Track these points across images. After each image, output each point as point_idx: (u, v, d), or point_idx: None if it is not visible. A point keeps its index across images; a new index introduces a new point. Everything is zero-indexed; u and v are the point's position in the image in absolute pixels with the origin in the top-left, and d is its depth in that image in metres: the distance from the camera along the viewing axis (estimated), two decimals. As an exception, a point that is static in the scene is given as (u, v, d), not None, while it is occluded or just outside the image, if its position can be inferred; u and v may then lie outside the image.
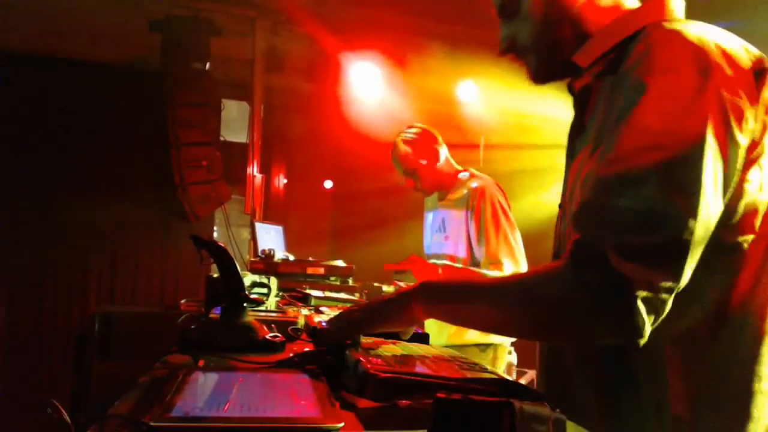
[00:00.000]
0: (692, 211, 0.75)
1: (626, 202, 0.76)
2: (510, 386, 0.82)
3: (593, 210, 0.80)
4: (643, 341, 0.76)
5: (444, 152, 2.64)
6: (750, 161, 0.81)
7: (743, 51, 0.84)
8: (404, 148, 2.62)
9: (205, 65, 4.26)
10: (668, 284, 0.74)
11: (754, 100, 0.81)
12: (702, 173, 0.75)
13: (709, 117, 0.77)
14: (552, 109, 4.13)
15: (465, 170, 2.66)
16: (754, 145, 0.81)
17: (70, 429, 0.70)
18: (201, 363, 1.04)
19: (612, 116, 0.84)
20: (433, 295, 0.97)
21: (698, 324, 0.83)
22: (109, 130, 4.62)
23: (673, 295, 0.76)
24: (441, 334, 2.42)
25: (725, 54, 0.81)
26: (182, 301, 2.07)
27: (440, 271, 2.42)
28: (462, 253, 2.49)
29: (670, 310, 0.77)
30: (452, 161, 2.68)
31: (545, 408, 0.59)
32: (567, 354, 1.01)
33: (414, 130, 2.67)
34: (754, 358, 0.84)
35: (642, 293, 0.73)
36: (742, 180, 0.81)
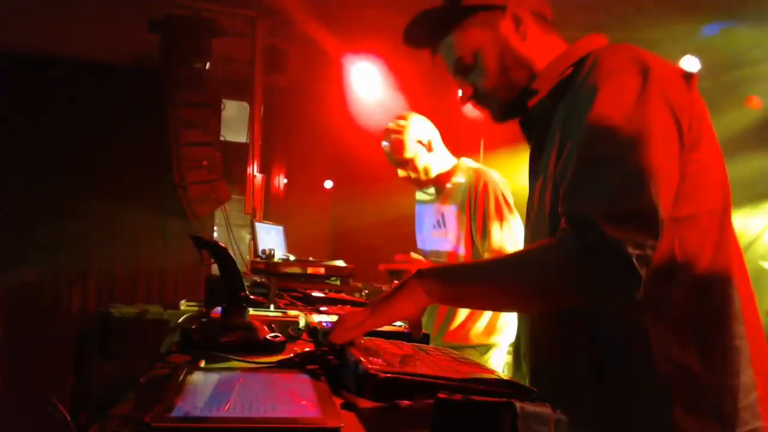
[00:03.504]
0: (655, 181, 0.88)
1: (604, 179, 0.90)
2: (511, 386, 0.82)
3: (578, 190, 0.92)
4: (639, 294, 0.86)
5: (438, 141, 2.51)
6: (690, 144, 0.95)
7: (669, 62, 1.00)
8: (395, 137, 2.48)
9: (205, 65, 4.25)
10: (651, 241, 0.86)
11: (686, 94, 0.97)
12: (658, 149, 0.90)
13: (655, 103, 0.92)
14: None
15: (459, 162, 2.52)
16: (691, 131, 0.95)
17: (70, 429, 0.70)
18: (201, 363, 1.04)
19: (574, 120, 0.97)
20: (434, 278, 1.01)
21: (668, 289, 0.94)
22: (109, 130, 4.62)
23: (654, 246, 0.87)
24: (437, 336, 2.38)
25: (657, 61, 0.98)
26: (182, 301, 2.07)
27: None
28: (462, 249, 2.40)
29: (648, 283, 0.87)
30: (447, 151, 2.54)
31: (546, 408, 0.59)
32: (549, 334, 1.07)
33: (405, 117, 2.52)
34: (725, 317, 0.95)
35: (634, 251, 0.84)
36: (687, 160, 0.94)
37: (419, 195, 2.67)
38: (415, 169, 2.48)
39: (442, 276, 1.02)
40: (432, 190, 2.58)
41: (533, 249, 1.00)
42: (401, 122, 2.51)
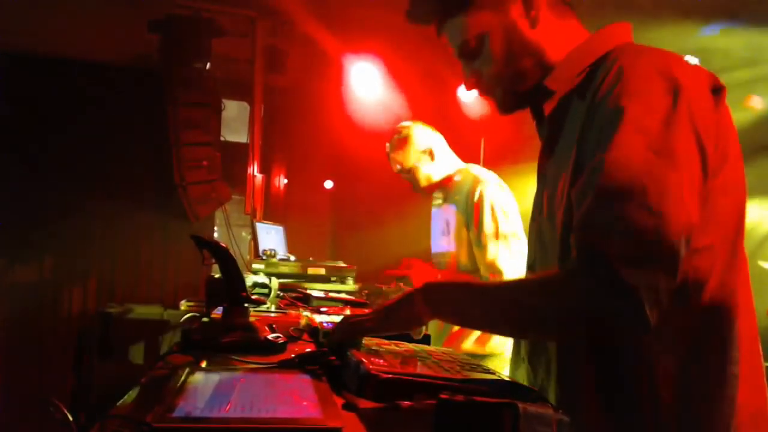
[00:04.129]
0: (678, 218, 0.83)
1: (622, 215, 0.83)
2: (513, 387, 0.82)
3: (593, 222, 0.87)
4: (647, 333, 0.82)
5: (440, 149, 2.54)
6: (714, 170, 0.90)
7: (700, 72, 0.94)
8: (396, 148, 2.55)
9: (206, 65, 4.25)
10: (667, 284, 0.82)
11: (715, 113, 0.91)
12: (682, 182, 0.85)
13: (682, 131, 0.86)
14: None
15: (464, 168, 2.53)
16: (716, 155, 0.90)
17: (71, 428, 0.70)
18: (202, 363, 1.04)
19: (593, 140, 0.91)
20: (438, 296, 0.99)
21: (676, 314, 0.89)
22: (109, 130, 4.62)
23: (672, 291, 0.82)
24: (437, 340, 2.37)
25: (688, 74, 0.91)
26: (182, 301, 2.07)
27: (439, 276, 2.36)
28: (464, 258, 2.38)
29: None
30: (452, 157, 2.58)
31: (548, 409, 0.59)
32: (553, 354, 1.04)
33: (406, 127, 2.57)
34: (725, 343, 0.93)
35: (648, 295, 0.80)
36: (709, 187, 0.89)
37: (434, 200, 2.69)
38: (417, 179, 2.53)
39: (448, 295, 1.00)
40: (440, 195, 2.60)
41: (542, 281, 0.96)
42: (402, 133, 2.56)
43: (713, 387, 0.91)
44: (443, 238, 2.53)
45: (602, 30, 1.05)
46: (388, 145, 2.60)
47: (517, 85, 1.08)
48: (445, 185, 2.54)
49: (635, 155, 0.85)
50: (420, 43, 4.23)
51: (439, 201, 2.61)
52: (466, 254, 2.38)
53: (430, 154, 2.52)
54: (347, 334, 1.03)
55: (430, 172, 2.52)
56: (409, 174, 2.54)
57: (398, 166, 2.56)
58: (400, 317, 1.01)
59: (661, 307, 0.81)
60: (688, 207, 0.85)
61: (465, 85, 1.15)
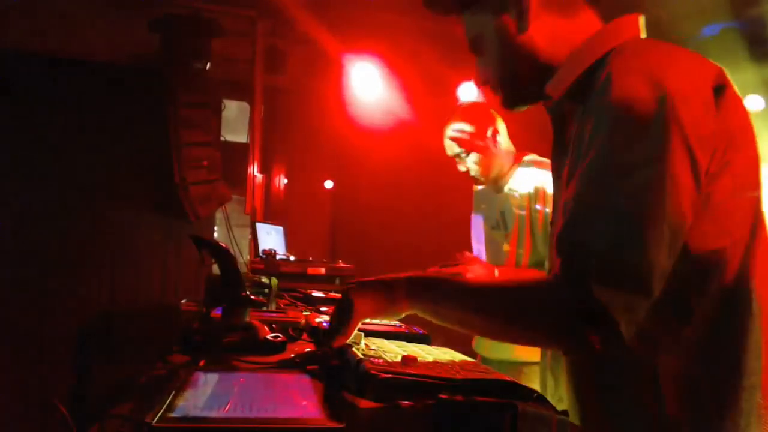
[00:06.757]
0: (658, 232, 0.80)
1: (599, 229, 0.82)
2: (513, 388, 0.82)
3: (572, 240, 0.86)
4: (624, 346, 0.81)
5: (504, 134, 2.31)
6: (713, 176, 0.85)
7: (702, 68, 0.88)
8: (458, 126, 2.27)
9: (206, 65, 4.25)
10: (643, 302, 0.81)
11: (713, 115, 0.85)
12: (665, 195, 0.80)
13: (668, 141, 0.81)
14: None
15: (528, 158, 2.30)
16: (714, 161, 0.85)
17: (70, 429, 0.70)
18: (202, 363, 1.04)
19: (582, 147, 0.89)
20: (422, 294, 1.00)
21: (684, 329, 0.88)
22: (109, 130, 4.62)
23: (647, 307, 0.81)
24: (499, 349, 2.23)
25: (682, 79, 0.84)
26: (182, 301, 2.07)
27: (497, 272, 2.19)
28: (522, 253, 2.23)
29: (657, 319, 0.84)
30: (510, 144, 2.34)
31: (548, 410, 0.58)
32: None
33: (470, 106, 2.35)
34: (738, 353, 0.87)
35: (623, 315, 0.80)
36: (710, 191, 0.85)
37: (478, 203, 2.50)
38: (477, 163, 2.28)
39: (430, 292, 1.00)
40: (486, 195, 2.41)
41: (524, 287, 0.96)
42: (465, 110, 2.33)
43: (724, 398, 0.87)
44: (498, 232, 2.33)
45: (607, 26, 1.00)
46: (449, 120, 2.31)
47: (515, 85, 1.07)
48: (503, 174, 2.32)
49: (614, 167, 0.83)
50: (420, 43, 4.24)
51: (483, 200, 2.43)
52: (527, 251, 2.24)
53: (495, 134, 2.28)
54: (344, 336, 1.02)
55: (491, 156, 2.27)
56: (468, 156, 2.28)
57: (456, 146, 2.29)
58: (381, 309, 1.02)
59: (638, 322, 0.81)
60: (674, 213, 0.81)
61: (475, 80, 1.15)
